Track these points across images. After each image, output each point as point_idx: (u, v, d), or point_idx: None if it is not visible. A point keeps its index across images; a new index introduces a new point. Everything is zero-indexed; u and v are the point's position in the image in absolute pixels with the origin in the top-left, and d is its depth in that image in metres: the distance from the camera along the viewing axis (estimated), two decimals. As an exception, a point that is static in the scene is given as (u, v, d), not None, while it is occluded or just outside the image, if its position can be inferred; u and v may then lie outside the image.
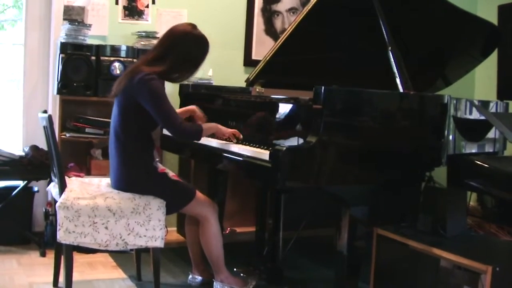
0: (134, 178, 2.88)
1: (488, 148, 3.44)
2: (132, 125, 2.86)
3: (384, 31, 3.05)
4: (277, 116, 2.89)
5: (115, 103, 2.92)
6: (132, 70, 2.87)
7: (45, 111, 3.02)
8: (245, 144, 2.91)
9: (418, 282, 2.70)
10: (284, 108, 2.86)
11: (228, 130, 3.00)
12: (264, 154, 2.61)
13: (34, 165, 3.73)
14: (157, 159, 3.04)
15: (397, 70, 2.98)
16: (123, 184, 2.89)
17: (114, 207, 2.75)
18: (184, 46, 2.88)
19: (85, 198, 2.77)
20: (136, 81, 2.78)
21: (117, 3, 4.16)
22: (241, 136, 2.99)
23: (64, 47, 3.75)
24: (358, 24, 3.35)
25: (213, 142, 3.07)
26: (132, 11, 4.20)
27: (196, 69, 2.98)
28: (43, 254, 3.70)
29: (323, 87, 2.56)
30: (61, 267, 2.93)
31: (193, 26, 2.94)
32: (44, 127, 2.94)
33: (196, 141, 2.94)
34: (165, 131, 3.11)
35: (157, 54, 2.90)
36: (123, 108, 2.86)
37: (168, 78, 2.94)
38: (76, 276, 2.99)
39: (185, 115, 3.19)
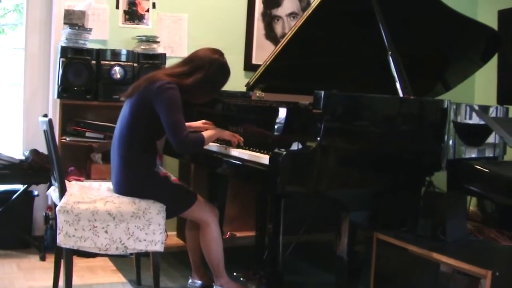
0: (136, 181, 2.88)
1: (488, 153, 3.44)
2: (140, 129, 2.87)
3: (384, 36, 3.06)
4: (277, 120, 2.89)
5: (126, 105, 2.93)
6: (153, 76, 2.91)
7: (46, 115, 3.01)
8: (245, 149, 2.91)
9: (418, 286, 2.70)
10: (284, 113, 2.86)
11: (229, 134, 3.01)
12: (264, 158, 2.61)
13: (34, 169, 3.73)
14: (159, 166, 3.04)
15: (397, 74, 2.99)
16: (124, 187, 2.89)
17: (114, 211, 2.76)
18: (208, 70, 2.93)
19: (85, 202, 2.77)
20: (157, 86, 2.81)
21: (117, 7, 4.17)
22: (242, 142, 3.00)
23: (64, 51, 3.76)
24: (359, 28, 3.35)
25: (213, 147, 3.07)
26: (133, 15, 4.21)
27: (212, 94, 3.08)
28: (43, 258, 3.70)
29: (323, 92, 2.56)
30: (61, 271, 2.92)
31: (220, 54, 3.00)
32: (44, 131, 2.94)
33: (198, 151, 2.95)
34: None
35: (181, 70, 2.94)
36: (135, 110, 2.87)
37: (185, 94, 2.95)
38: (76, 280, 2.99)
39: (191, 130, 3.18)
